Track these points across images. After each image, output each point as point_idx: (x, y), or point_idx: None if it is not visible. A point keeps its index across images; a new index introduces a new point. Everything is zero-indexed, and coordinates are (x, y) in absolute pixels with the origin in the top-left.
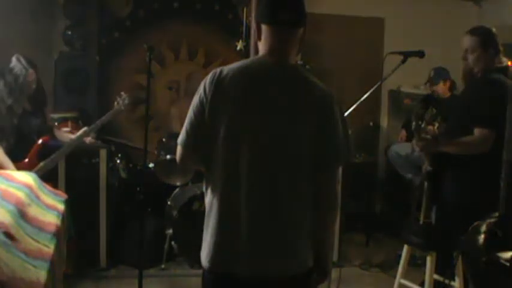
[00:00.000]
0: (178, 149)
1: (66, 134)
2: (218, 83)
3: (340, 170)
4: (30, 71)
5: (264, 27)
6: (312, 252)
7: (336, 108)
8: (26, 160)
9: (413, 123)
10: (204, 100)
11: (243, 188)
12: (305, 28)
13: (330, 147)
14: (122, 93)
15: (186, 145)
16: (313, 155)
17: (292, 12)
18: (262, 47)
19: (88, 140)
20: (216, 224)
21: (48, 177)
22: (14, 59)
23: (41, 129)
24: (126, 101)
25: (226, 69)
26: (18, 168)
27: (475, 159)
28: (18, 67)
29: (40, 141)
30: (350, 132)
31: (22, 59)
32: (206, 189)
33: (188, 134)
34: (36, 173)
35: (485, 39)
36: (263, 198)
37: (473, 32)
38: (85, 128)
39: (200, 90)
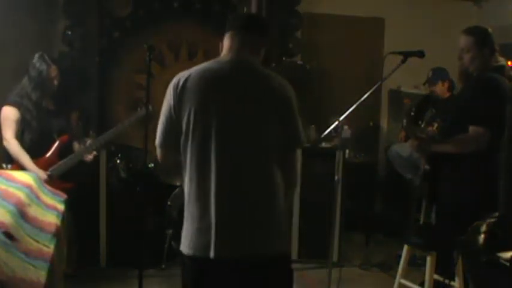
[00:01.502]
0: (158, 151)
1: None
2: (183, 84)
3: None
4: (53, 66)
5: (225, 37)
6: (287, 238)
7: (292, 96)
8: (46, 156)
9: (404, 120)
10: (172, 102)
11: (213, 176)
12: (262, 41)
13: (291, 131)
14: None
15: (163, 145)
16: (277, 139)
17: (247, 21)
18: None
19: (90, 157)
20: (194, 212)
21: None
22: (36, 55)
23: (61, 130)
24: (150, 109)
25: (189, 71)
26: (37, 164)
27: (474, 158)
28: (40, 63)
29: (58, 140)
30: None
31: (45, 56)
32: (185, 181)
33: (164, 136)
34: (54, 170)
35: (480, 38)
36: (231, 185)
37: (469, 31)
38: (108, 132)
39: (167, 94)
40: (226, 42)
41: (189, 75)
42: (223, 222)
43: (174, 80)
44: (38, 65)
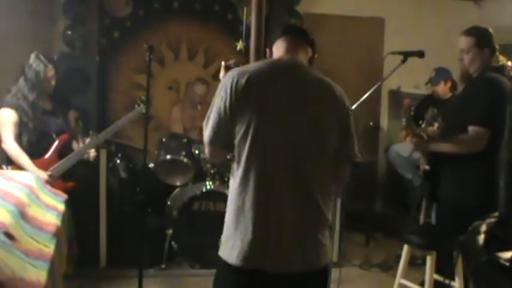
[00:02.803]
0: (207, 148)
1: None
2: (242, 85)
3: None
4: (50, 66)
5: (278, 41)
6: (328, 248)
7: (349, 106)
8: (46, 156)
9: (404, 119)
10: (228, 102)
11: (275, 187)
12: (313, 53)
13: (348, 143)
14: (143, 97)
15: (213, 143)
16: (335, 149)
17: (299, 30)
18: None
19: (91, 155)
20: (248, 222)
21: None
22: (32, 55)
23: (60, 130)
24: (143, 108)
25: (245, 70)
26: (38, 164)
27: (473, 158)
28: (37, 63)
29: (57, 139)
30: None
31: (41, 55)
32: (235, 187)
33: (214, 134)
34: (55, 170)
35: (480, 39)
36: (292, 196)
37: (468, 32)
38: (105, 131)
39: (221, 91)
40: (279, 45)
41: (248, 75)
42: (285, 236)
43: (229, 79)
44: (34, 65)
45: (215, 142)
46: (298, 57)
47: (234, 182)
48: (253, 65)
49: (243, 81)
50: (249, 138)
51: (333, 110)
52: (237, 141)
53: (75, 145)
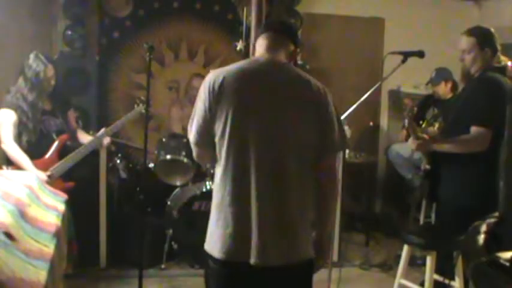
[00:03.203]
0: (193, 149)
1: (89, 137)
2: (220, 85)
3: (340, 170)
4: (49, 66)
5: (259, 38)
6: (310, 242)
7: (330, 100)
8: (46, 157)
9: (406, 120)
10: (207, 103)
11: (253, 181)
12: (295, 47)
13: (329, 137)
14: (142, 97)
15: (199, 145)
16: (315, 145)
17: (278, 25)
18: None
19: (106, 142)
20: (229, 216)
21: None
22: (32, 55)
23: (60, 130)
24: (143, 108)
25: (224, 71)
26: (38, 164)
27: (474, 158)
28: (36, 63)
29: (57, 140)
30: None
31: (40, 55)
32: (216, 183)
33: (199, 135)
34: (55, 170)
35: (481, 39)
36: (271, 190)
37: (470, 32)
38: (103, 130)
39: (201, 94)
40: (260, 43)
41: (225, 75)
42: (265, 228)
43: (208, 80)
44: (34, 65)
45: (200, 143)
46: (277, 54)
47: (216, 179)
48: (231, 65)
49: (219, 81)
50: (227, 136)
51: (309, 106)
52: (216, 139)
53: (83, 139)
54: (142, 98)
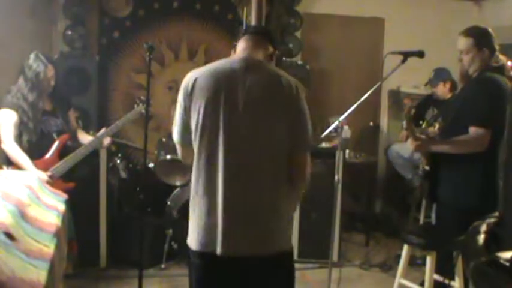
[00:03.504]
0: (179, 149)
1: (89, 137)
2: (193, 84)
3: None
4: (50, 66)
5: (239, 42)
6: (289, 236)
7: (303, 97)
8: (47, 157)
9: (404, 122)
10: (183, 102)
11: (220, 174)
12: (274, 50)
13: (300, 134)
14: (142, 97)
15: (181, 144)
16: (286, 141)
17: (257, 28)
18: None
19: (106, 142)
20: (202, 208)
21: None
22: (32, 55)
23: (61, 130)
24: (143, 108)
25: (200, 70)
26: (38, 165)
27: (473, 159)
28: (37, 63)
29: (57, 140)
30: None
31: (40, 55)
32: (193, 177)
33: (180, 135)
34: (55, 170)
35: (479, 39)
36: (238, 183)
37: (467, 32)
38: (104, 129)
39: (179, 94)
40: (239, 45)
41: (198, 76)
42: (231, 220)
43: (185, 81)
44: (34, 65)
45: (182, 142)
46: (254, 53)
47: (192, 173)
48: (207, 66)
49: (192, 81)
50: (198, 133)
51: (279, 102)
52: (192, 136)
53: (83, 139)
54: (143, 97)
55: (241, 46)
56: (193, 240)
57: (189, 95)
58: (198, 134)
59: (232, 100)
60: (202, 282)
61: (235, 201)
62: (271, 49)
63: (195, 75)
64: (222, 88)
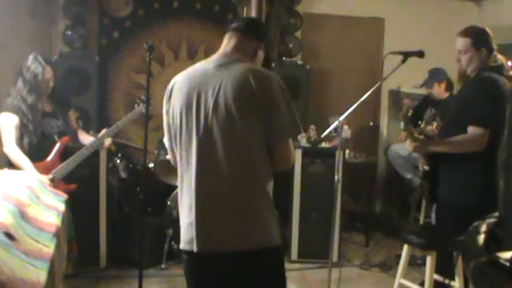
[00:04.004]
0: (170, 154)
1: (90, 137)
2: (172, 89)
3: (340, 170)
4: (48, 68)
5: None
6: (269, 231)
7: (275, 87)
8: (48, 159)
9: (402, 123)
10: (165, 107)
11: (193, 174)
12: (258, 44)
13: (274, 126)
14: (142, 96)
15: (172, 150)
16: (261, 135)
17: (239, 23)
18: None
19: (107, 143)
20: (183, 208)
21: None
22: (30, 57)
23: (62, 131)
24: (143, 108)
25: (179, 74)
26: (40, 167)
27: (473, 158)
28: (35, 65)
29: (59, 142)
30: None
31: (39, 57)
32: (178, 178)
33: (167, 138)
34: (57, 173)
35: (476, 39)
36: (209, 182)
37: (465, 33)
38: (104, 130)
39: (164, 101)
40: (223, 42)
41: (178, 79)
42: (203, 218)
43: (168, 86)
44: (32, 67)
45: (170, 147)
46: (231, 52)
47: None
48: (187, 69)
49: (171, 85)
50: (177, 136)
51: (248, 98)
52: (172, 140)
53: (84, 140)
54: (143, 97)
55: (223, 44)
56: (182, 240)
57: (168, 100)
58: (177, 137)
59: (203, 102)
60: (189, 279)
61: (206, 200)
62: (254, 44)
63: (175, 79)
64: (194, 90)
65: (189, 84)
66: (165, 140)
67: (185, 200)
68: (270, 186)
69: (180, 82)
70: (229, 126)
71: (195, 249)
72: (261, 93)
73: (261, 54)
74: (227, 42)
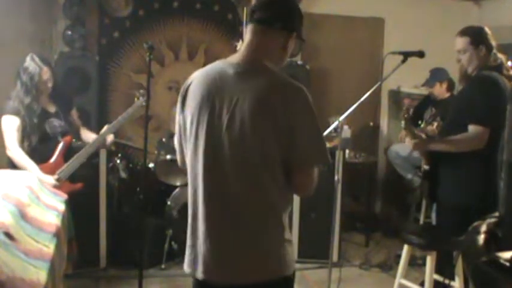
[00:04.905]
0: (178, 155)
1: (92, 135)
2: (186, 91)
3: (340, 170)
4: (45, 68)
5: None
6: (280, 258)
7: (303, 105)
8: (51, 161)
9: (402, 122)
10: (179, 107)
11: (200, 196)
12: (289, 35)
13: (299, 150)
14: (142, 90)
15: (178, 149)
16: (280, 158)
17: (264, 11)
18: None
19: (109, 139)
20: (189, 228)
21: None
22: (28, 58)
23: (64, 131)
24: (143, 101)
25: (194, 75)
26: (44, 169)
27: (473, 158)
28: (32, 66)
29: (61, 141)
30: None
31: (36, 57)
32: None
33: (177, 139)
34: (62, 173)
35: (474, 38)
36: (219, 206)
37: (463, 32)
38: (106, 126)
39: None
40: (245, 36)
41: (195, 78)
42: (212, 246)
43: (184, 83)
44: (30, 68)
45: (179, 149)
46: (255, 54)
47: None
48: (207, 66)
49: (187, 84)
50: (186, 143)
51: (268, 114)
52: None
53: (87, 137)
54: (142, 91)
55: (245, 40)
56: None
57: (183, 100)
58: (186, 145)
59: (217, 114)
60: None
61: (217, 227)
62: (283, 37)
63: (192, 78)
64: (209, 96)
65: (206, 87)
66: (175, 141)
67: (191, 221)
68: (287, 213)
69: (195, 84)
70: (242, 149)
71: (200, 276)
72: (285, 112)
73: (292, 44)
74: (250, 39)
